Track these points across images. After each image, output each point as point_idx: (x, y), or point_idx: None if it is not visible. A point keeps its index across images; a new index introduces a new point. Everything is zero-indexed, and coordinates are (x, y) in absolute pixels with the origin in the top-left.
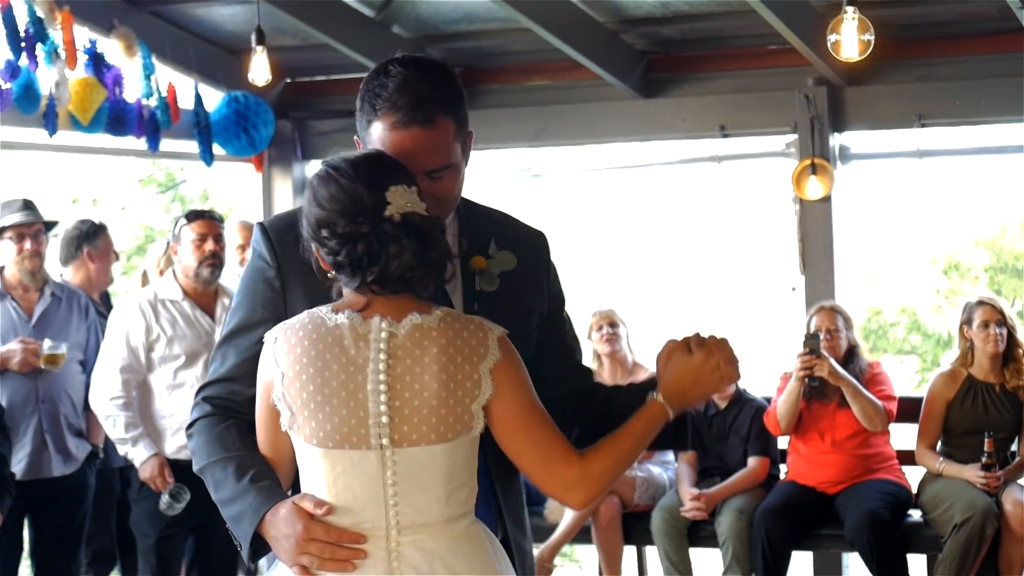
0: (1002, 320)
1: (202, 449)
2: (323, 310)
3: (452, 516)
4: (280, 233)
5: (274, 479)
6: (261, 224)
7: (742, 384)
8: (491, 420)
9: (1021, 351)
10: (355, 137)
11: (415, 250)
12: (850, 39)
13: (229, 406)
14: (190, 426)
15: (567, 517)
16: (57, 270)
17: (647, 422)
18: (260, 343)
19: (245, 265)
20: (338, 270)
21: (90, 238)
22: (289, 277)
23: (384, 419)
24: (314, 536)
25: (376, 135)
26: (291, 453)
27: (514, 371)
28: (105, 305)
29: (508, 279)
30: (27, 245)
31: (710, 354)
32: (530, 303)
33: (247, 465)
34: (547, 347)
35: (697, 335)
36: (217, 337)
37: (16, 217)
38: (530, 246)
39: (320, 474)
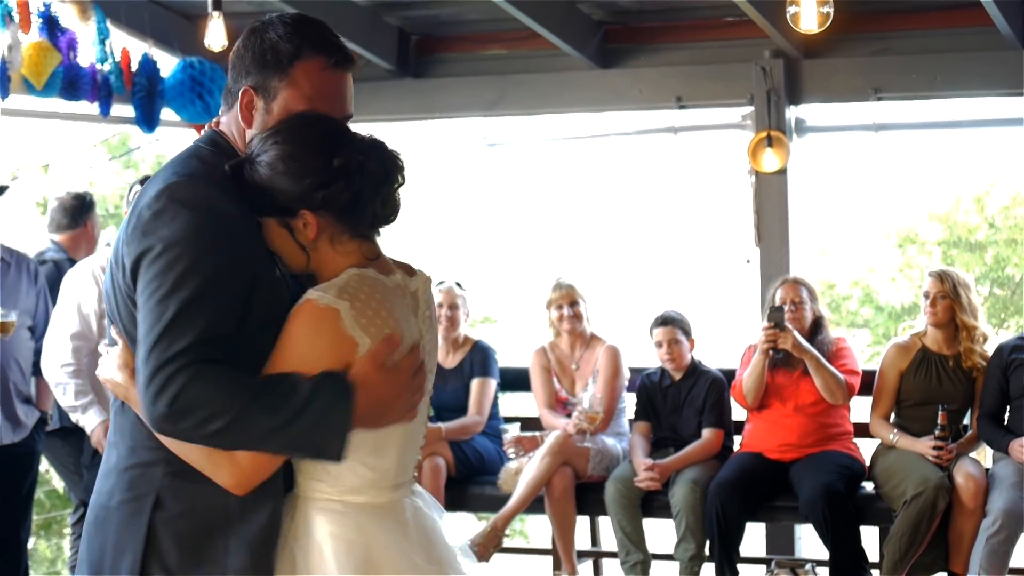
0: (944, 293)
1: (225, 393)
2: (370, 272)
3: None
4: (228, 183)
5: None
6: (195, 174)
7: (697, 355)
8: None
9: (968, 328)
10: (242, 88)
11: (401, 168)
12: (809, 11)
13: (218, 361)
14: (179, 393)
15: (520, 487)
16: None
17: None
18: (234, 301)
19: (186, 221)
20: (355, 209)
21: (90, 209)
22: (253, 229)
23: (430, 373)
24: (407, 372)
25: (302, 78)
26: None
27: None
28: None
29: None
30: None
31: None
32: None
33: (291, 377)
34: None
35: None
36: None
37: None
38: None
39: (385, 439)
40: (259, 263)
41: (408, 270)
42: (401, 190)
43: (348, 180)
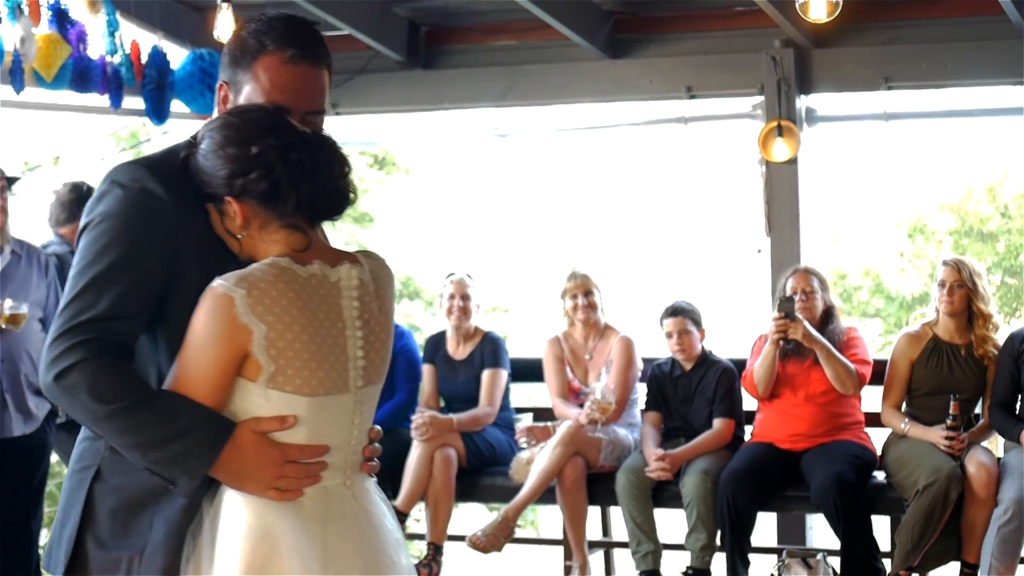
0: (961, 281)
1: (107, 389)
2: (283, 261)
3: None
4: (168, 170)
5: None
6: (139, 161)
7: (708, 345)
8: None
9: (984, 316)
10: (219, 83)
11: (340, 159)
12: (818, 0)
13: (124, 344)
14: (69, 368)
15: (531, 477)
16: (45, 230)
17: None
18: (150, 280)
19: (115, 198)
20: (274, 198)
21: (87, 199)
22: (185, 216)
23: (362, 362)
24: (291, 458)
25: (262, 72)
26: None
27: None
28: None
29: None
30: None
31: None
32: None
33: (178, 403)
34: None
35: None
36: None
37: None
38: None
39: (301, 424)
40: (186, 248)
41: (340, 259)
42: (342, 183)
43: (264, 169)
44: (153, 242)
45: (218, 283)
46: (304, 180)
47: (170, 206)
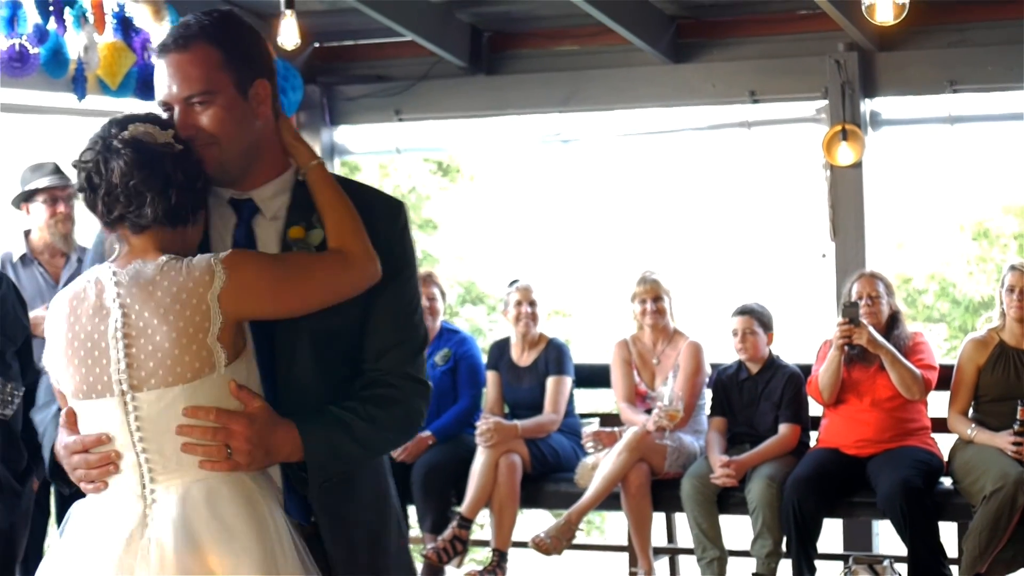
0: None
1: None
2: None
3: None
4: None
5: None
6: None
7: (775, 350)
8: (265, 316)
9: None
10: None
11: (127, 161)
12: (885, 2)
13: None
14: None
15: (595, 482)
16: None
17: (325, 183)
18: None
19: None
20: (90, 208)
21: None
22: None
23: (123, 365)
24: (72, 449)
25: None
26: None
27: (250, 269)
28: None
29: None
30: (60, 208)
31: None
32: None
33: None
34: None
35: None
36: None
37: (48, 180)
38: (378, 214)
39: (81, 427)
40: None
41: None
42: (120, 182)
43: (82, 169)
44: None
45: None
46: (95, 188)
47: None
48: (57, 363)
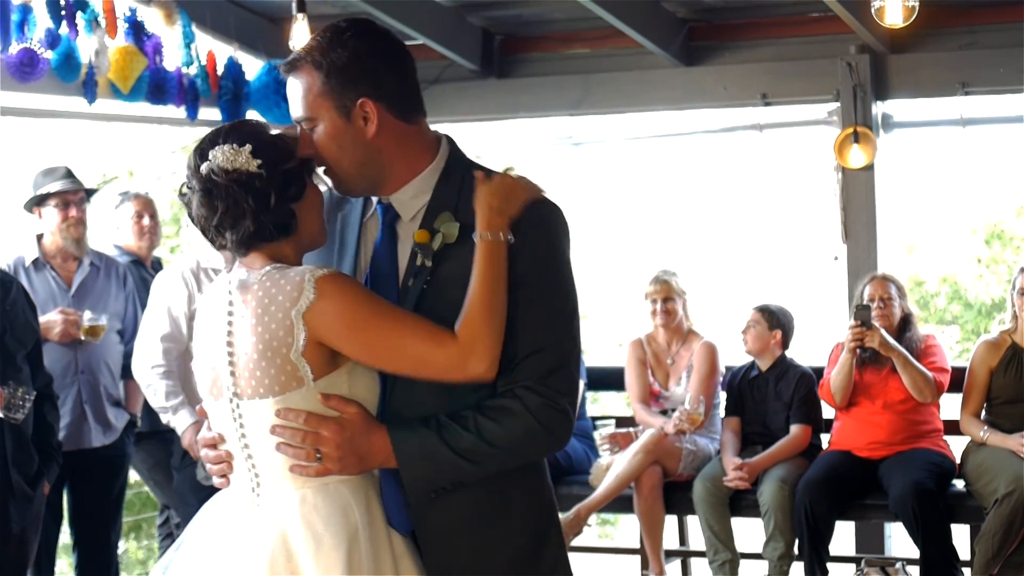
0: None
1: None
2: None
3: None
4: None
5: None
6: None
7: (787, 352)
8: (340, 351)
9: None
10: None
11: (200, 200)
12: (894, 5)
13: None
14: None
15: (607, 480)
16: (111, 239)
17: (485, 261)
18: None
19: None
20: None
21: None
22: None
23: (229, 371)
24: (203, 442)
25: None
26: None
27: (338, 300)
28: (156, 271)
29: (458, 251)
30: (72, 212)
31: (504, 174)
32: None
33: None
34: None
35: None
36: None
37: (61, 184)
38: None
39: (210, 425)
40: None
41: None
42: (198, 213)
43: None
44: None
45: None
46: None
47: None
48: (194, 359)
